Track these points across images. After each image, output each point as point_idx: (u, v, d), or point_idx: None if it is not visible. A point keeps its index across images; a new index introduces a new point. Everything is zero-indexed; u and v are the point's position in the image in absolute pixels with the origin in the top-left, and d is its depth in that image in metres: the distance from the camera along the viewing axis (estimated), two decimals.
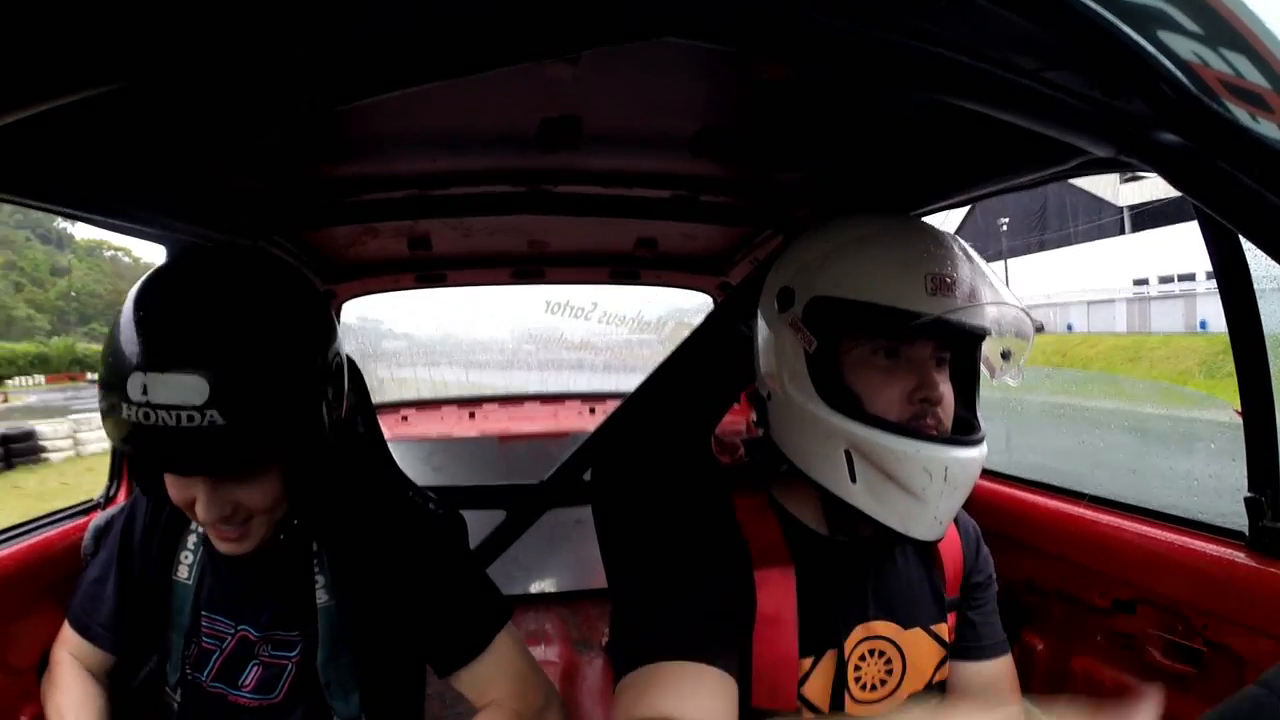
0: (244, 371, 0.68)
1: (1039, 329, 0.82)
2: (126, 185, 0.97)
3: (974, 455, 0.75)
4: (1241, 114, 0.46)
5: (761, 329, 0.85)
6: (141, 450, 0.71)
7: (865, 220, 0.81)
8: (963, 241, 0.80)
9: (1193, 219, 0.84)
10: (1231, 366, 0.87)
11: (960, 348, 0.79)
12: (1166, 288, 24.48)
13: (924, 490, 0.72)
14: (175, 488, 0.77)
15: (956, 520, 0.90)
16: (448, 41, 0.55)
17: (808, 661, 0.77)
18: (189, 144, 0.98)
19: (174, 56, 0.50)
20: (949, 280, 0.72)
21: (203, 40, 0.49)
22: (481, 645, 0.87)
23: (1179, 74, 0.48)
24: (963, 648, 0.86)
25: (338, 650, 0.87)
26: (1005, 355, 0.81)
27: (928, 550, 0.86)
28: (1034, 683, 1.11)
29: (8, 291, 53.29)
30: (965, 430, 0.78)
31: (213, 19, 0.48)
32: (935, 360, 0.77)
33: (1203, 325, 22.01)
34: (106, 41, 0.47)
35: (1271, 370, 0.86)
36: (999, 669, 0.87)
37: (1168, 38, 0.47)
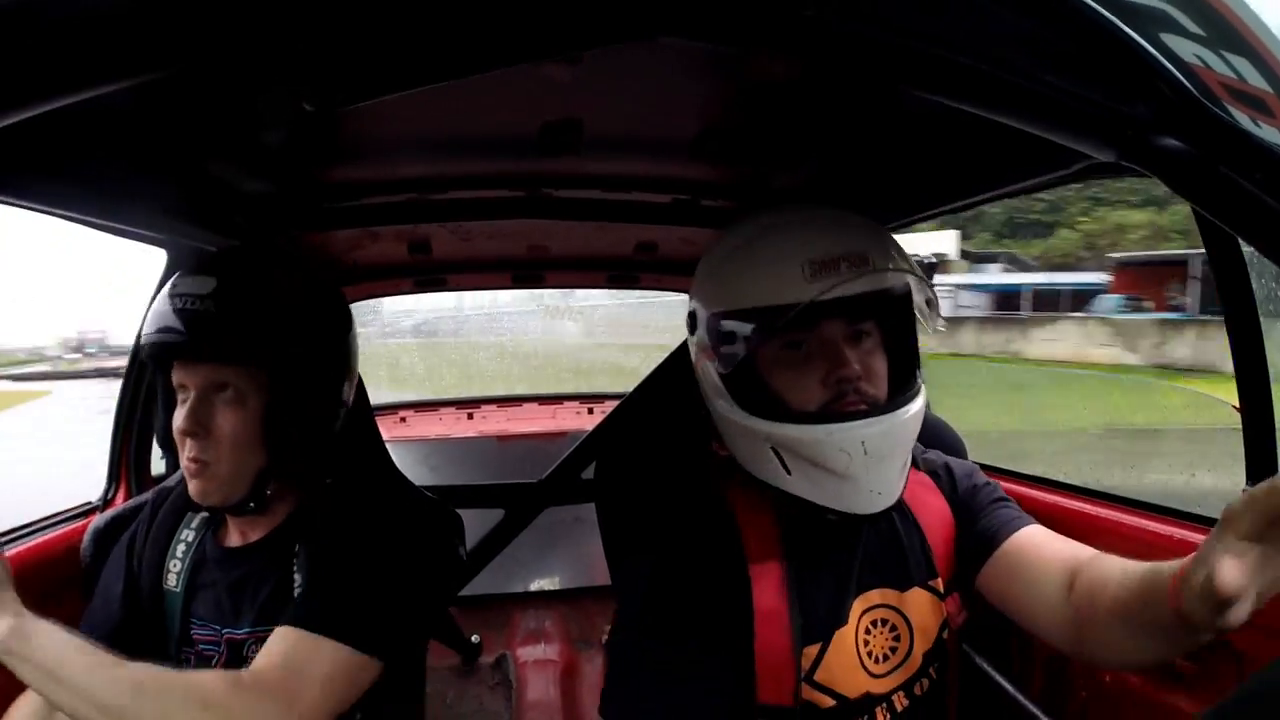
0: (247, 283, 0.86)
1: (929, 276, 0.82)
2: (125, 188, 0.97)
3: (893, 423, 0.74)
4: (1243, 118, 0.46)
5: (690, 348, 0.87)
6: (153, 335, 0.85)
7: (751, 220, 0.81)
8: (862, 217, 0.79)
9: None
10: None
11: (876, 315, 0.78)
12: None
13: (848, 469, 0.73)
14: (176, 413, 0.85)
15: (928, 467, 0.90)
16: (447, 42, 0.54)
17: (814, 649, 0.77)
18: (188, 147, 0.98)
19: (174, 56, 0.49)
20: (829, 260, 0.72)
21: (203, 40, 0.49)
22: (311, 623, 0.78)
23: (1181, 77, 0.48)
24: (979, 548, 0.82)
25: None
26: (929, 303, 0.80)
27: (903, 509, 0.84)
28: (1034, 680, 1.12)
29: None
30: (902, 390, 0.77)
31: (213, 19, 0.48)
32: (854, 334, 0.77)
33: None
34: (106, 42, 0.47)
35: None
36: (1026, 536, 0.80)
37: (1170, 39, 0.47)
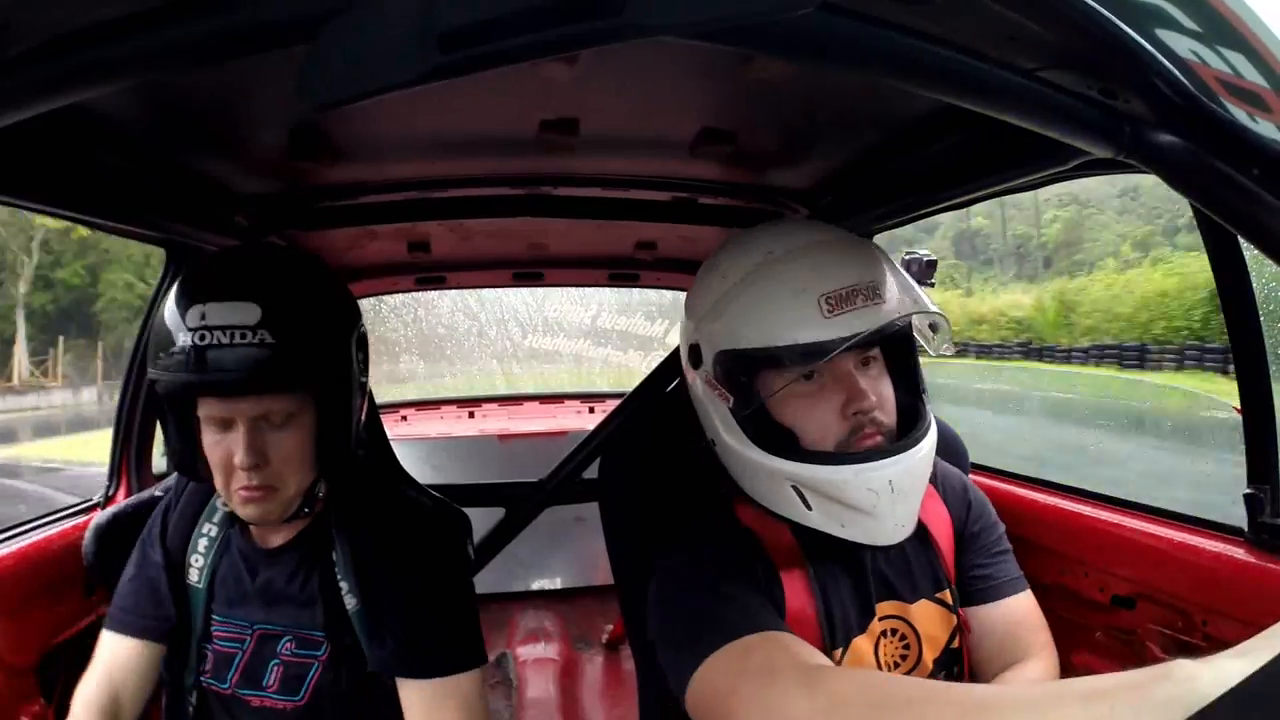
0: (289, 303, 0.79)
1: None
2: (125, 187, 0.97)
3: (916, 458, 0.75)
4: (1240, 114, 0.46)
5: (689, 379, 0.85)
6: (193, 377, 0.76)
7: (753, 247, 0.79)
8: (867, 241, 0.80)
9: None
10: None
11: (883, 342, 0.78)
12: None
13: (875, 507, 0.73)
14: (215, 442, 0.80)
15: (939, 482, 0.90)
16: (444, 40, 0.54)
17: (836, 654, 0.78)
18: (187, 147, 0.98)
19: (174, 56, 0.50)
20: (844, 294, 0.72)
21: (202, 40, 0.49)
22: (443, 669, 0.84)
23: (1177, 73, 0.48)
24: (971, 592, 0.86)
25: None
26: (934, 328, 0.82)
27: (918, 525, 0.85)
28: None
29: None
30: (911, 421, 0.78)
31: (212, 18, 0.48)
32: (862, 362, 0.77)
33: None
34: (105, 41, 0.47)
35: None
36: (1014, 607, 0.86)
37: (1166, 35, 0.47)
